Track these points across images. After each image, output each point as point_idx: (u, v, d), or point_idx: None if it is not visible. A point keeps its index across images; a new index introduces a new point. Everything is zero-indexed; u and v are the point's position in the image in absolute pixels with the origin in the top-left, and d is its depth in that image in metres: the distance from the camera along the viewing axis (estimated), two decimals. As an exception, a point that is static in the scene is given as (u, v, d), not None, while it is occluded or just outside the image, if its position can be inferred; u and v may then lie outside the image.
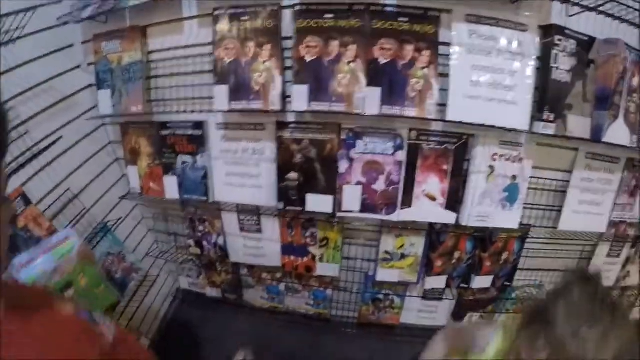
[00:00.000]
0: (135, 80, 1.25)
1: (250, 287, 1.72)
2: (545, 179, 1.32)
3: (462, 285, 1.49)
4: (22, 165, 1.13)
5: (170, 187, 1.39)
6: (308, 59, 1.08)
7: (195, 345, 1.68)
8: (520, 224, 1.32)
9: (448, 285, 1.50)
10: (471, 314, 1.62)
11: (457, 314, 1.62)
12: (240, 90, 1.14)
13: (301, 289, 1.67)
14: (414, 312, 1.65)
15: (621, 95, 1.14)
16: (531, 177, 1.28)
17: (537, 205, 1.35)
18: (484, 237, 1.39)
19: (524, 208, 1.31)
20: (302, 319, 1.76)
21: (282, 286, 1.68)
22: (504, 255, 1.42)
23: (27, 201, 1.15)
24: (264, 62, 1.11)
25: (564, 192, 1.32)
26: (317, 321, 1.75)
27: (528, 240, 1.43)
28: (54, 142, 1.20)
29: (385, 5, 1.06)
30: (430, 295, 1.58)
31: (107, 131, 1.46)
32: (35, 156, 1.16)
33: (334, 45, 1.07)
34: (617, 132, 1.16)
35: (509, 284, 1.51)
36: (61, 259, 1.06)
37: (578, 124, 1.13)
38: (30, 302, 0.54)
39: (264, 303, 1.76)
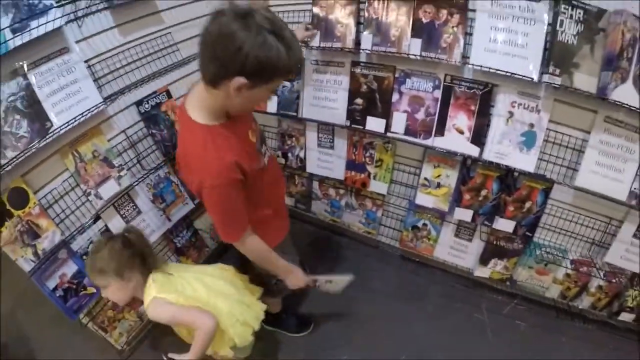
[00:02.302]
0: None
1: (317, 199, 2.57)
2: (568, 135, 1.80)
3: (486, 223, 2.07)
4: (169, 70, 2.15)
5: (272, 103, 2.29)
6: (374, 17, 1.90)
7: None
8: (544, 178, 1.87)
9: (474, 221, 2.10)
10: (496, 261, 2.18)
11: (484, 258, 2.20)
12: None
13: (357, 206, 2.47)
14: (446, 247, 2.30)
15: (631, 60, 1.59)
16: (553, 131, 1.80)
17: (559, 158, 1.84)
18: (509, 183, 1.98)
19: (549, 162, 1.85)
20: (355, 242, 2.59)
21: (343, 202, 2.49)
22: (527, 204, 1.97)
23: (169, 95, 2.18)
24: (346, 16, 1.98)
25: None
26: (366, 245, 2.55)
27: (554, 198, 1.95)
28: (194, 58, 2.23)
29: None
30: (463, 233, 2.22)
31: None
32: (178, 66, 2.20)
33: (392, 9, 1.86)
34: (625, 93, 1.59)
35: (530, 234, 2.03)
36: None
37: (584, 81, 1.63)
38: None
39: (326, 216, 2.60)
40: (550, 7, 1.63)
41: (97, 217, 2.04)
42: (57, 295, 1.93)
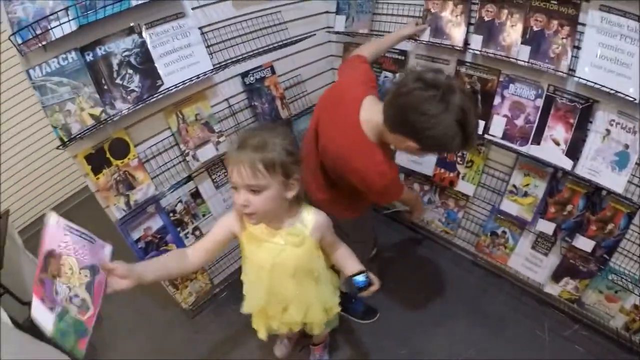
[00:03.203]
0: (366, 13, 2.45)
1: None
2: None
3: (567, 239, 2.19)
4: (276, 48, 2.36)
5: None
6: (486, 19, 2.07)
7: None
8: (631, 201, 1.96)
9: (555, 234, 2.22)
10: (568, 280, 2.27)
11: (557, 275, 2.30)
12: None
13: (440, 204, 2.63)
14: (522, 258, 2.42)
15: None
16: None
17: None
18: (595, 201, 2.08)
19: (636, 186, 1.92)
20: (428, 240, 2.79)
21: (426, 198, 2.66)
22: (610, 226, 2.06)
23: (273, 71, 2.41)
24: (456, 16, 2.15)
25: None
26: (439, 245, 2.74)
27: (636, 224, 1.99)
28: (301, 39, 2.50)
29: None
30: (540, 246, 2.33)
31: (331, 47, 2.75)
32: (287, 45, 2.42)
33: (504, 13, 2.02)
34: None
35: (608, 257, 2.11)
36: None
37: None
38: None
39: (406, 209, 2.71)
40: (658, 30, 1.72)
41: (189, 178, 2.23)
42: (139, 246, 2.12)
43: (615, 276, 2.14)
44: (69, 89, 1.77)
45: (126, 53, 1.88)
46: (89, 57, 1.80)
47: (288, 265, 1.51)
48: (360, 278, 1.55)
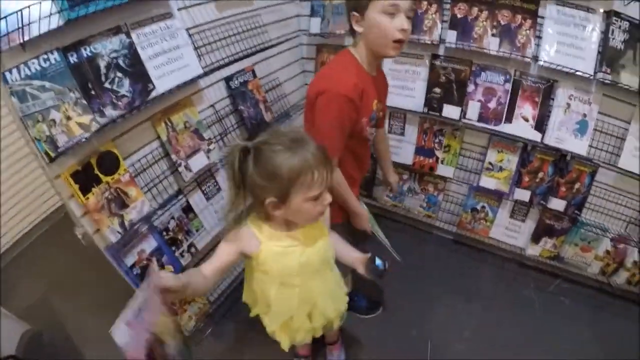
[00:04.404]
0: (341, 14, 2.45)
1: (379, 185, 2.76)
2: (613, 125, 2.14)
3: (542, 202, 2.39)
4: (256, 53, 2.28)
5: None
6: (459, 16, 2.23)
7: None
8: (593, 162, 2.22)
9: (531, 201, 2.40)
10: (546, 239, 2.47)
11: (536, 236, 2.49)
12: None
13: (420, 191, 2.68)
14: (502, 228, 2.59)
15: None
16: (600, 121, 2.14)
17: (605, 144, 2.18)
18: (562, 166, 2.31)
19: (597, 148, 2.19)
20: (410, 227, 2.82)
21: (405, 186, 2.69)
22: (577, 185, 2.31)
23: (254, 75, 2.30)
24: (431, 14, 2.28)
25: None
26: (421, 230, 2.81)
27: (598, 180, 2.28)
28: (282, 41, 2.48)
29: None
30: (517, 214, 2.51)
31: (302, 49, 2.72)
32: (268, 47, 2.36)
33: (475, 10, 2.21)
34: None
35: (578, 213, 2.36)
36: None
37: (628, 80, 2.03)
38: None
39: (388, 201, 2.81)
40: (603, 18, 2.03)
41: (179, 192, 2.01)
42: (135, 273, 1.80)
43: (585, 228, 2.37)
44: (53, 94, 1.48)
45: (114, 55, 1.64)
46: (73, 59, 1.52)
47: (313, 260, 1.41)
48: (378, 261, 1.46)
